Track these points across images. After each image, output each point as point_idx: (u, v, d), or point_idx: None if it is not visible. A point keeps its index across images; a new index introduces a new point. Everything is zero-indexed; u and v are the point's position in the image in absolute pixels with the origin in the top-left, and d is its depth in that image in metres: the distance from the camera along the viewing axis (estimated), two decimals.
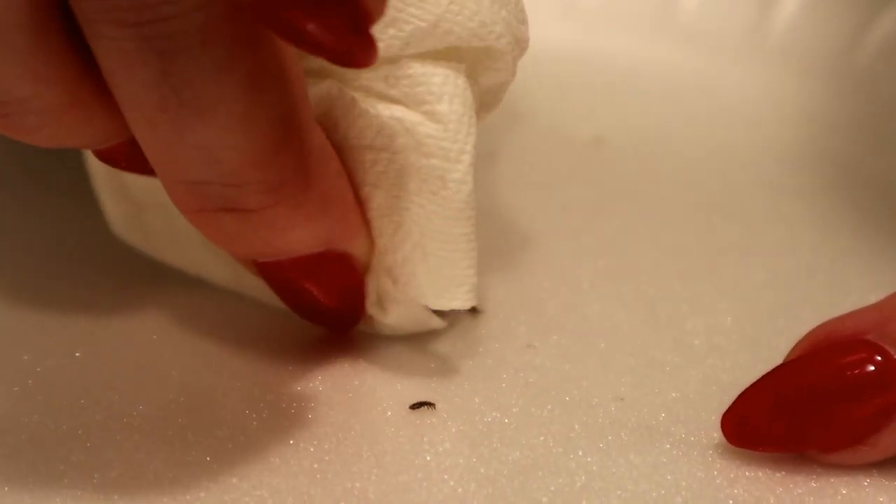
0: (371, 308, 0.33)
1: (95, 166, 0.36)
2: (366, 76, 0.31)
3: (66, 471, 0.30)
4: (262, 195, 0.28)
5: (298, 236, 0.30)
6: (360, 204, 0.32)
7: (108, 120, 0.28)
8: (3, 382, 0.33)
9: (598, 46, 0.50)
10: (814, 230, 0.41)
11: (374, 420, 0.32)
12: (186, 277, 0.36)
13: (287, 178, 0.28)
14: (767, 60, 0.50)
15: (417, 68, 0.31)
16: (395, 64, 0.31)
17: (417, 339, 0.34)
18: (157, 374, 0.33)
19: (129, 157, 0.29)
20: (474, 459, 0.30)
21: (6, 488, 0.29)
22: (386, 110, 0.31)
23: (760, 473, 0.30)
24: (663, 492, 0.30)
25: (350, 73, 0.31)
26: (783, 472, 0.30)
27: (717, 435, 0.31)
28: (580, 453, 0.31)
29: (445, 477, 0.30)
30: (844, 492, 0.30)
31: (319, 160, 0.30)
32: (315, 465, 0.30)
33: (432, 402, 0.32)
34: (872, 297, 0.32)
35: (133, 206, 0.36)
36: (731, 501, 0.29)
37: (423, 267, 0.32)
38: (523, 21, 0.33)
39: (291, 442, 0.31)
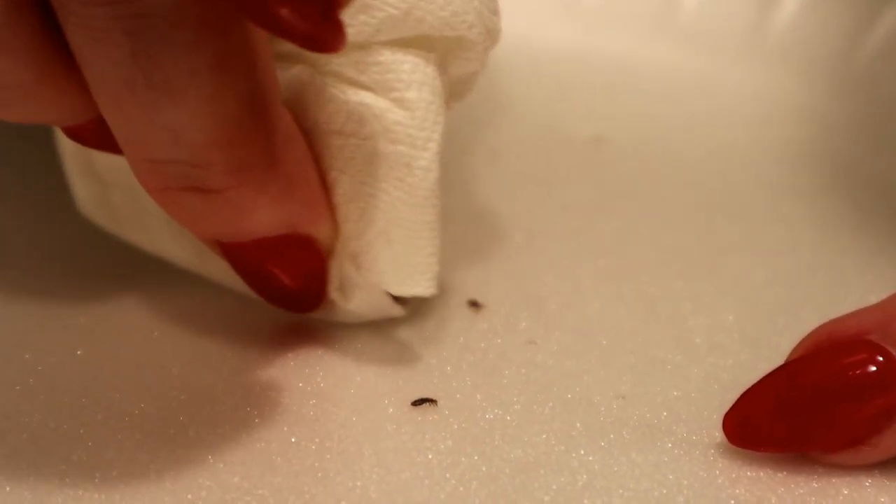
0: (333, 293, 0.33)
1: (65, 145, 0.36)
2: (336, 62, 0.31)
3: (68, 470, 0.30)
4: (227, 176, 0.28)
5: (261, 218, 0.30)
6: (327, 189, 0.32)
7: (78, 97, 0.28)
8: (4, 381, 0.33)
9: (599, 46, 0.50)
10: (814, 229, 0.41)
11: (375, 417, 0.32)
12: (187, 276, 0.36)
13: (252, 160, 0.29)
14: (767, 60, 0.50)
15: (388, 55, 0.31)
16: (365, 50, 0.31)
17: (418, 335, 0.34)
18: (158, 372, 0.33)
19: (97, 134, 0.29)
20: (476, 458, 0.30)
21: (7, 488, 0.29)
22: (355, 96, 0.31)
23: (762, 473, 0.30)
24: (665, 491, 0.30)
25: (321, 58, 0.31)
26: (785, 472, 0.30)
27: (718, 434, 0.31)
28: (582, 452, 0.31)
29: (447, 475, 0.30)
30: (846, 492, 0.30)
31: (286, 143, 0.30)
32: (317, 464, 0.30)
33: (434, 398, 0.32)
34: (873, 297, 0.32)
35: (100, 185, 0.36)
36: (732, 501, 0.29)
37: (387, 253, 0.32)
38: (495, 12, 0.33)
39: (293, 440, 0.31)
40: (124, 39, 0.26)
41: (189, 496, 0.29)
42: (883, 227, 0.41)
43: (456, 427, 0.31)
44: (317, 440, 0.31)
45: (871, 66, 0.48)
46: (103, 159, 0.35)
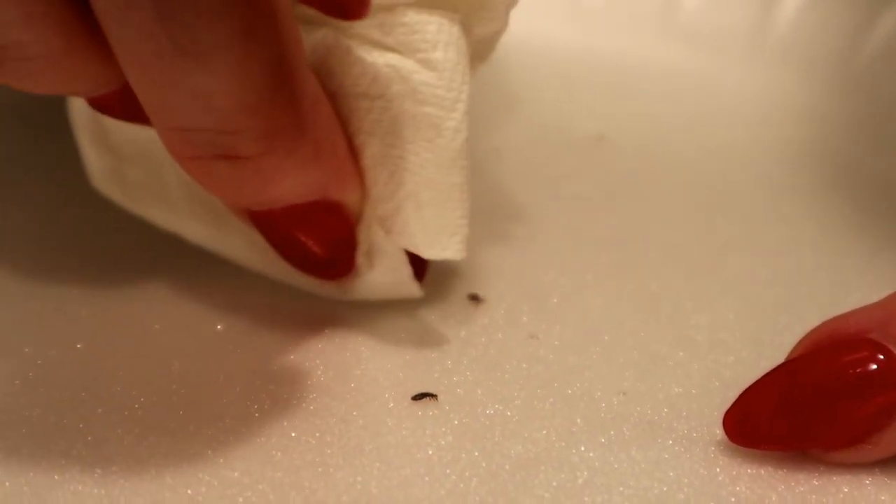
0: (360, 258, 0.33)
1: (78, 118, 0.36)
2: (361, 24, 0.31)
3: (67, 465, 0.30)
4: (256, 142, 0.28)
5: (291, 184, 0.30)
6: (354, 153, 0.32)
7: (104, 66, 0.27)
8: (3, 375, 0.33)
9: (601, 45, 0.51)
10: (815, 229, 0.41)
11: (376, 412, 0.32)
12: (187, 268, 0.36)
13: (281, 126, 0.28)
14: (768, 60, 0.50)
15: (413, 16, 0.31)
16: (390, 12, 0.31)
17: (419, 329, 0.34)
18: (159, 365, 0.33)
19: (123, 104, 0.29)
20: (476, 453, 0.30)
21: (7, 483, 0.29)
22: (381, 58, 0.31)
23: (763, 471, 0.30)
24: (665, 488, 0.30)
25: (345, 21, 0.31)
26: (785, 470, 0.30)
27: (719, 431, 0.31)
28: (582, 448, 0.31)
29: (447, 471, 0.30)
30: (846, 490, 0.30)
31: (313, 108, 0.30)
32: (317, 459, 0.30)
33: (434, 393, 0.32)
34: (874, 296, 0.32)
35: (115, 159, 0.36)
36: (733, 499, 0.29)
37: (416, 216, 0.32)
38: None
39: (293, 435, 0.31)
40: (151, 5, 0.26)
41: (189, 491, 0.29)
42: (883, 227, 0.41)
43: (456, 422, 0.31)
44: (317, 435, 0.31)
45: (872, 66, 0.48)
46: (118, 134, 0.35)
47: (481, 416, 0.32)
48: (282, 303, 0.35)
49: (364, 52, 0.31)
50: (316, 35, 0.31)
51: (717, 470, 0.30)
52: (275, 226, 0.32)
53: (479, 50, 0.33)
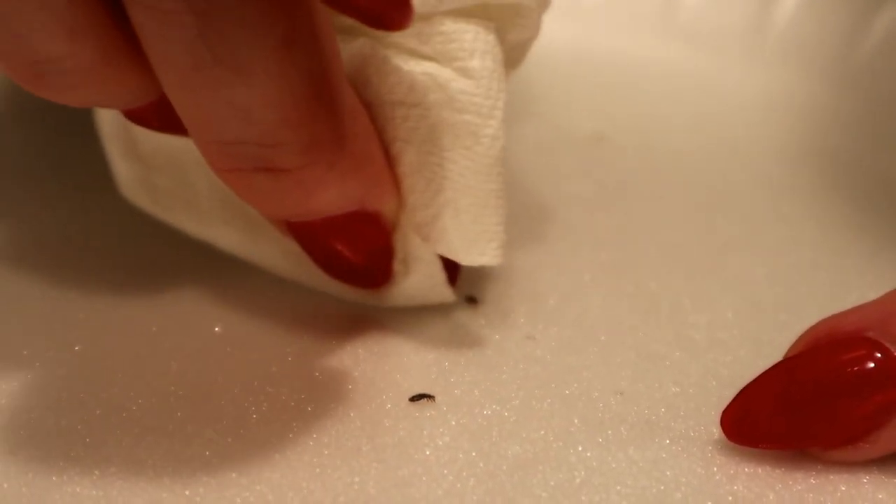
0: (397, 266, 0.33)
1: (107, 128, 0.36)
2: (398, 34, 0.31)
3: (66, 466, 0.30)
4: (297, 155, 0.28)
5: (331, 196, 0.30)
6: (390, 161, 0.32)
7: (142, 79, 0.27)
8: (2, 377, 0.33)
9: (600, 45, 0.51)
10: (814, 227, 0.41)
11: (373, 413, 0.32)
12: (184, 270, 0.36)
13: (322, 138, 0.28)
14: (767, 59, 0.50)
15: (450, 25, 0.31)
16: (427, 21, 0.31)
17: (417, 330, 0.34)
18: (157, 367, 0.33)
19: (160, 116, 0.29)
20: (474, 454, 0.30)
21: (5, 484, 0.29)
22: (418, 66, 0.31)
23: (760, 470, 0.30)
24: (663, 488, 0.30)
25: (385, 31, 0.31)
26: (783, 469, 0.30)
27: (716, 431, 0.31)
28: (580, 448, 0.31)
29: (445, 472, 0.30)
30: (844, 488, 0.30)
31: (353, 120, 0.30)
32: (315, 460, 0.30)
33: (432, 394, 0.32)
34: (873, 294, 0.32)
35: (144, 168, 0.36)
36: (730, 498, 0.29)
37: (455, 223, 0.32)
38: None
39: (291, 436, 0.31)
40: (192, 19, 0.25)
41: (187, 492, 0.29)
42: (883, 226, 0.41)
43: (454, 423, 0.31)
44: (314, 436, 0.31)
45: (871, 64, 0.48)
46: (147, 143, 0.35)
47: (479, 417, 0.32)
48: (280, 304, 0.35)
49: (401, 60, 0.31)
50: (353, 44, 0.32)
51: (715, 469, 0.30)
52: (313, 236, 0.32)
53: (512, 57, 0.34)
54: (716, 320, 0.36)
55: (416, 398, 0.32)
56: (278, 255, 0.35)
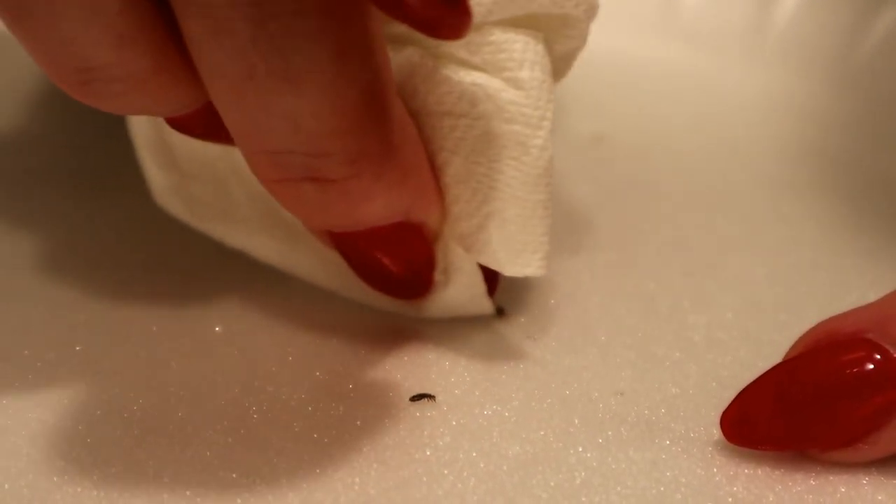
0: (437, 276, 0.33)
1: (141, 136, 0.36)
2: (447, 43, 0.31)
3: (66, 467, 0.30)
4: (346, 165, 0.28)
5: (378, 207, 0.30)
6: (435, 171, 0.32)
7: (190, 87, 0.27)
8: (2, 377, 0.33)
9: (600, 45, 0.50)
10: (814, 227, 0.41)
11: (374, 412, 0.32)
12: (185, 270, 0.36)
13: (370, 149, 0.28)
14: (767, 59, 0.50)
15: (499, 35, 0.31)
16: (477, 31, 0.31)
17: (417, 330, 0.34)
18: (157, 367, 0.33)
19: (205, 124, 0.29)
20: (474, 454, 0.30)
21: (6, 485, 0.29)
22: (468, 76, 0.31)
23: (760, 471, 0.30)
24: (663, 489, 0.30)
25: (432, 40, 0.31)
26: (782, 470, 0.30)
27: (716, 431, 0.31)
28: (580, 448, 0.31)
29: (445, 472, 0.30)
30: (843, 490, 0.30)
31: (401, 131, 0.30)
32: (315, 460, 0.30)
33: (432, 394, 0.32)
34: (872, 295, 0.32)
35: (179, 175, 0.36)
36: (730, 499, 0.29)
37: (500, 233, 0.32)
38: None
39: (291, 436, 0.31)
40: (245, 27, 0.25)
41: (187, 492, 0.29)
42: (883, 226, 0.41)
43: (454, 423, 0.31)
44: (315, 436, 0.31)
45: (871, 65, 0.48)
46: (183, 151, 0.35)
47: (479, 417, 0.32)
48: (280, 305, 0.35)
49: (450, 70, 0.31)
50: (402, 54, 0.31)
51: (715, 470, 0.30)
52: (355, 247, 0.32)
53: (559, 67, 0.33)
54: (715, 320, 0.36)
55: (416, 398, 0.32)
56: (317, 264, 0.34)
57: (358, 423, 0.31)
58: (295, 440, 0.31)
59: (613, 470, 0.30)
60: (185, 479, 0.29)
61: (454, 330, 0.35)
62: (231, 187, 0.35)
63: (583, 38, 0.33)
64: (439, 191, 0.32)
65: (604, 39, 0.51)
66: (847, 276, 0.38)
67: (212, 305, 0.35)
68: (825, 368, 0.30)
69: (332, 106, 0.27)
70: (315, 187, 0.28)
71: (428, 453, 0.30)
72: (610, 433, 0.31)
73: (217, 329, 0.35)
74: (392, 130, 0.29)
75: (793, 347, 0.31)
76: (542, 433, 0.31)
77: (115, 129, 0.37)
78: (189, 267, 0.37)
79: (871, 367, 0.29)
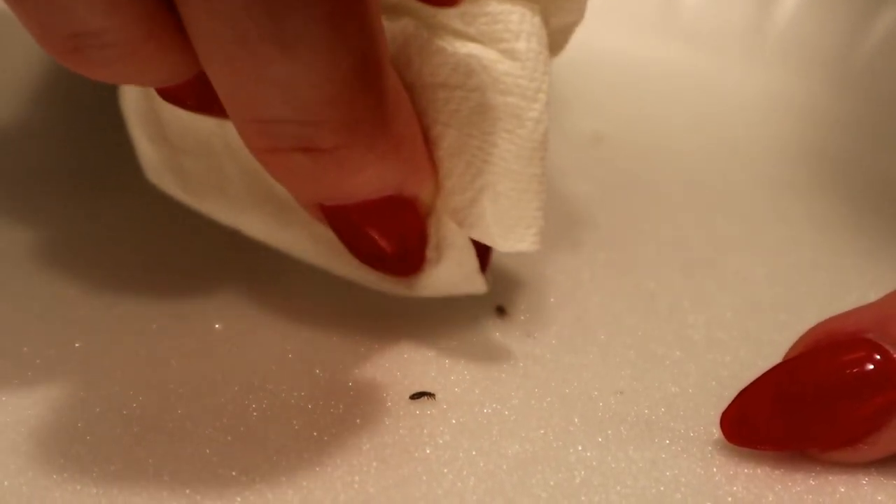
0: (429, 252, 0.33)
1: (133, 111, 0.35)
2: (443, 14, 0.31)
3: (66, 464, 0.30)
4: (338, 134, 0.28)
5: (369, 178, 0.30)
6: (429, 144, 0.32)
7: (181, 55, 0.27)
8: (1, 375, 0.33)
9: (600, 44, 0.50)
10: (814, 227, 0.41)
11: (373, 411, 0.32)
12: (185, 268, 0.36)
13: (363, 118, 0.28)
14: (767, 59, 0.50)
15: (495, 6, 0.31)
16: (473, 2, 0.31)
17: (417, 328, 0.34)
18: (157, 364, 0.33)
19: (197, 94, 0.29)
20: (473, 452, 0.30)
21: (6, 482, 0.29)
22: (463, 48, 0.31)
23: (759, 471, 0.30)
24: (662, 488, 0.30)
25: (427, 10, 0.31)
26: (782, 470, 0.30)
27: (716, 431, 0.31)
28: (579, 447, 0.31)
29: (445, 470, 0.30)
30: (843, 490, 0.30)
31: (395, 100, 0.29)
32: (314, 458, 0.30)
33: (432, 392, 0.32)
34: (872, 295, 0.32)
35: (171, 151, 0.35)
36: (729, 498, 0.29)
37: (493, 207, 0.31)
38: None
39: (291, 434, 0.31)
40: None
41: (187, 490, 0.29)
42: (883, 226, 0.41)
43: (454, 421, 0.31)
44: (314, 434, 0.31)
45: (871, 65, 0.48)
46: (175, 125, 0.34)
47: (479, 416, 0.32)
48: (280, 302, 0.35)
49: (445, 41, 0.31)
50: (397, 24, 0.31)
51: (714, 469, 0.30)
52: (347, 221, 0.31)
53: (556, 40, 0.33)
54: (715, 320, 0.36)
55: (416, 396, 0.32)
56: (308, 241, 0.34)
57: (357, 421, 0.31)
58: (294, 438, 0.31)
59: (613, 469, 0.30)
60: (185, 476, 0.29)
61: (454, 328, 0.35)
62: (223, 162, 0.34)
63: (581, 12, 0.33)
64: (433, 164, 0.32)
65: (604, 39, 0.51)
66: (847, 276, 0.38)
67: (211, 303, 0.35)
68: (825, 368, 0.30)
69: (324, 73, 0.26)
70: (306, 157, 0.28)
71: (427, 452, 0.30)
72: (609, 432, 0.31)
73: (217, 327, 0.35)
74: (385, 100, 0.28)
75: (793, 347, 0.31)
76: (541, 432, 0.31)
77: (116, 129, 0.37)
78: (189, 265, 0.37)
79: (871, 367, 0.29)
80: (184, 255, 0.37)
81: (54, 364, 0.33)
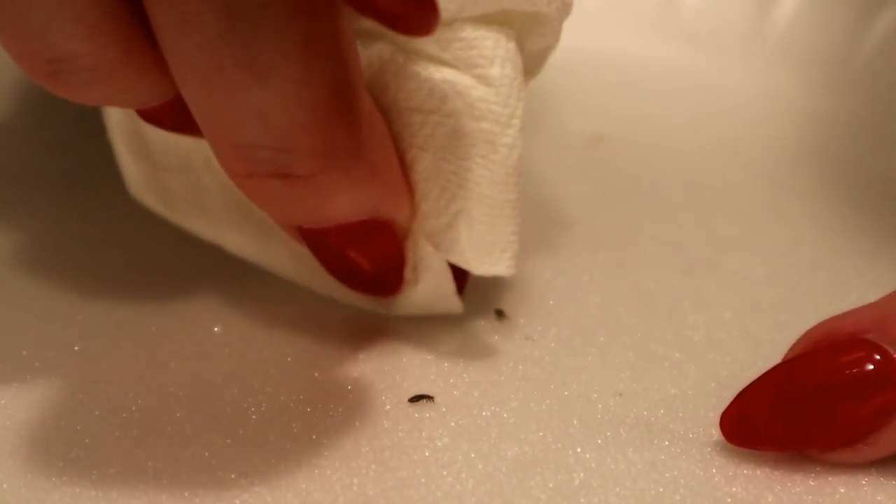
0: (407, 274, 0.33)
1: (116, 127, 0.36)
2: (418, 39, 0.31)
3: (65, 467, 0.30)
4: (313, 160, 0.28)
5: (346, 203, 0.30)
6: (405, 168, 0.32)
7: (159, 79, 0.27)
8: (1, 377, 0.33)
9: (600, 45, 0.50)
10: (814, 227, 0.41)
11: (372, 413, 0.32)
12: (184, 271, 0.36)
13: (338, 144, 0.28)
14: (767, 59, 0.50)
15: (470, 31, 0.31)
16: (448, 27, 0.31)
17: (416, 331, 0.34)
18: (156, 367, 0.33)
19: (174, 116, 0.29)
20: (472, 455, 0.30)
21: (5, 485, 0.29)
22: (437, 73, 0.31)
23: (759, 471, 0.30)
24: (661, 490, 0.30)
25: (402, 36, 0.30)
26: (782, 471, 0.30)
27: (715, 432, 0.31)
28: (579, 449, 0.31)
29: (444, 473, 0.30)
30: (843, 490, 0.30)
31: (370, 127, 0.29)
32: (313, 460, 0.30)
33: (431, 395, 0.32)
34: (872, 295, 0.32)
35: (153, 167, 0.35)
36: (729, 500, 0.29)
37: (468, 232, 0.32)
38: None
39: (290, 437, 0.31)
40: (213, 20, 0.25)
41: (186, 493, 0.29)
42: (883, 226, 0.41)
43: (453, 424, 0.31)
44: (313, 436, 0.31)
45: (871, 65, 0.48)
46: (157, 143, 0.35)
47: (478, 418, 0.32)
48: (279, 306, 0.35)
49: (420, 66, 0.31)
50: (372, 49, 0.31)
51: (714, 471, 0.30)
52: (325, 243, 0.32)
53: (531, 65, 0.33)
54: (714, 320, 0.36)
55: (415, 399, 0.32)
56: (288, 259, 0.34)
57: (356, 423, 0.31)
58: (293, 441, 0.31)
59: (612, 471, 0.30)
60: (184, 479, 0.29)
61: (453, 331, 0.35)
62: (204, 179, 0.35)
63: (555, 37, 0.33)
64: (408, 188, 0.32)
65: (604, 39, 0.51)
66: (847, 276, 0.38)
67: (211, 306, 0.35)
68: (825, 369, 0.30)
69: (299, 100, 0.27)
70: (282, 183, 0.28)
71: (426, 454, 0.30)
72: (609, 434, 0.31)
73: (216, 330, 0.35)
74: (360, 126, 0.29)
75: (792, 348, 0.31)
76: (540, 434, 0.31)
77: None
78: (188, 268, 0.37)
79: (871, 367, 0.29)
80: (184, 257, 0.37)
81: (53, 367, 0.33)
